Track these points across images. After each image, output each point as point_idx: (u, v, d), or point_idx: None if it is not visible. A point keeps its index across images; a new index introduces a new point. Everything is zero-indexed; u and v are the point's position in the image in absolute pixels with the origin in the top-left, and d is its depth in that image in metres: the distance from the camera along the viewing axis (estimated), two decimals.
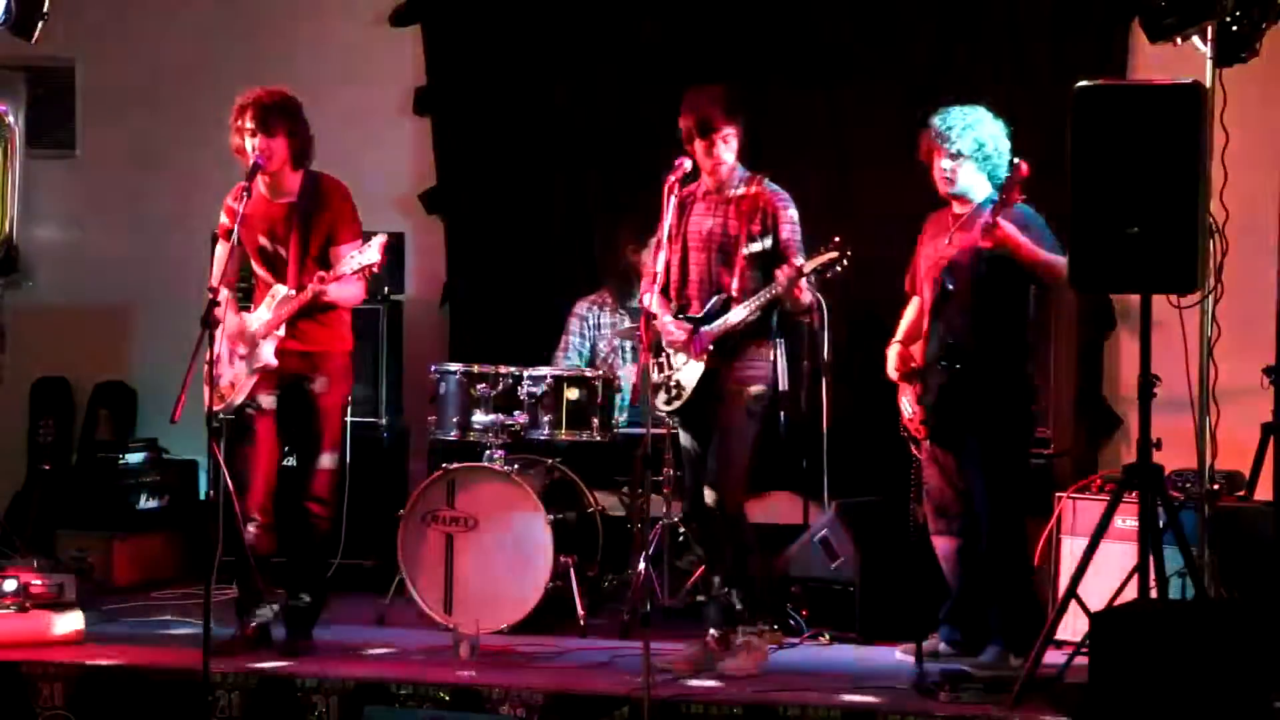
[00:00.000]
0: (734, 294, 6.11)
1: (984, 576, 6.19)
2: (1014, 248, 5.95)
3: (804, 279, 6.01)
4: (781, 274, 5.98)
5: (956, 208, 6.24)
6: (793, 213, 6.16)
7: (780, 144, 7.93)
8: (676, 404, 6.28)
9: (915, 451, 6.39)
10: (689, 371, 6.22)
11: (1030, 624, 6.02)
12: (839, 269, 5.99)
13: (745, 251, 6.12)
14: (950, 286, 6.09)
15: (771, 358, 6.21)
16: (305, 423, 6.39)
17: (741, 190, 6.20)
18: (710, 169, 6.21)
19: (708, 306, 6.17)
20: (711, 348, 6.13)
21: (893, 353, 6.35)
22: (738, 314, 6.09)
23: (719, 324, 6.12)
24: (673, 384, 6.25)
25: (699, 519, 6.35)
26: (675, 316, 6.25)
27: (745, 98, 6.28)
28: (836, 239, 6.00)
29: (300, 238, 6.29)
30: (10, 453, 8.81)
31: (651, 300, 6.27)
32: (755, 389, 6.16)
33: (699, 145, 6.19)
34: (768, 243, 6.12)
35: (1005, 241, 5.93)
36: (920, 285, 6.32)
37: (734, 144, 6.18)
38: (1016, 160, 5.99)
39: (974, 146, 6.13)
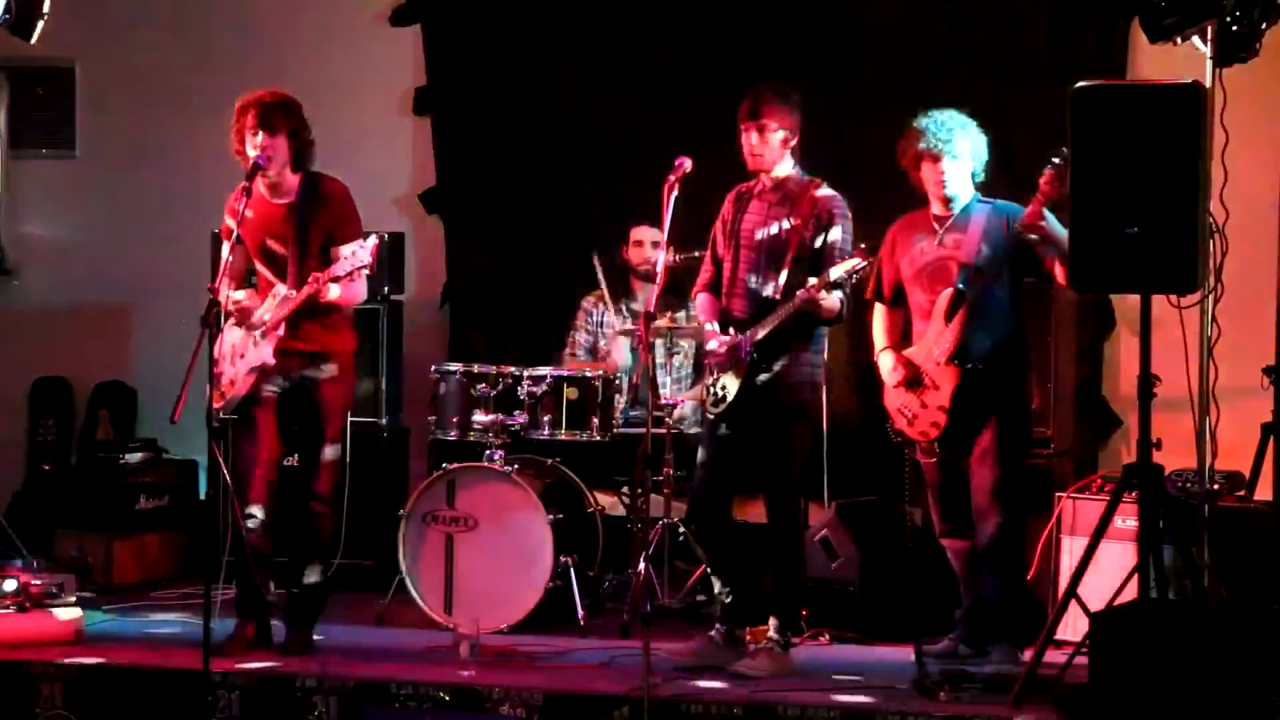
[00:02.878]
0: (778, 297, 6.07)
1: (988, 573, 6.18)
2: (1055, 239, 5.90)
3: (832, 288, 5.99)
4: (806, 290, 5.96)
5: (938, 209, 6.22)
6: (847, 219, 6.13)
7: None
8: (722, 407, 6.21)
9: (912, 454, 6.37)
10: (733, 375, 6.19)
11: (1027, 621, 6.03)
12: (860, 273, 5.98)
13: (793, 255, 6.08)
14: (962, 287, 6.09)
15: (818, 361, 6.18)
16: (307, 423, 6.40)
17: (797, 192, 6.17)
18: (750, 161, 6.19)
19: (752, 310, 6.16)
20: (754, 354, 6.10)
21: (890, 358, 6.28)
22: (769, 324, 6.06)
23: (752, 331, 6.09)
24: (719, 387, 6.22)
25: (706, 519, 6.32)
26: (723, 322, 6.23)
27: (802, 100, 6.23)
28: (861, 245, 6.02)
29: (300, 238, 6.29)
30: (10, 453, 8.82)
31: (698, 303, 6.34)
32: (804, 392, 6.14)
33: (743, 133, 6.17)
34: (817, 245, 6.08)
35: (1047, 232, 5.91)
36: (910, 288, 6.28)
37: (776, 139, 6.13)
38: (1047, 168, 5.95)
39: (967, 149, 6.15)
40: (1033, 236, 5.94)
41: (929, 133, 6.13)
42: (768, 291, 6.10)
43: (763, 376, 6.10)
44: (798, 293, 5.99)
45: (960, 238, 6.13)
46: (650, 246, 7.56)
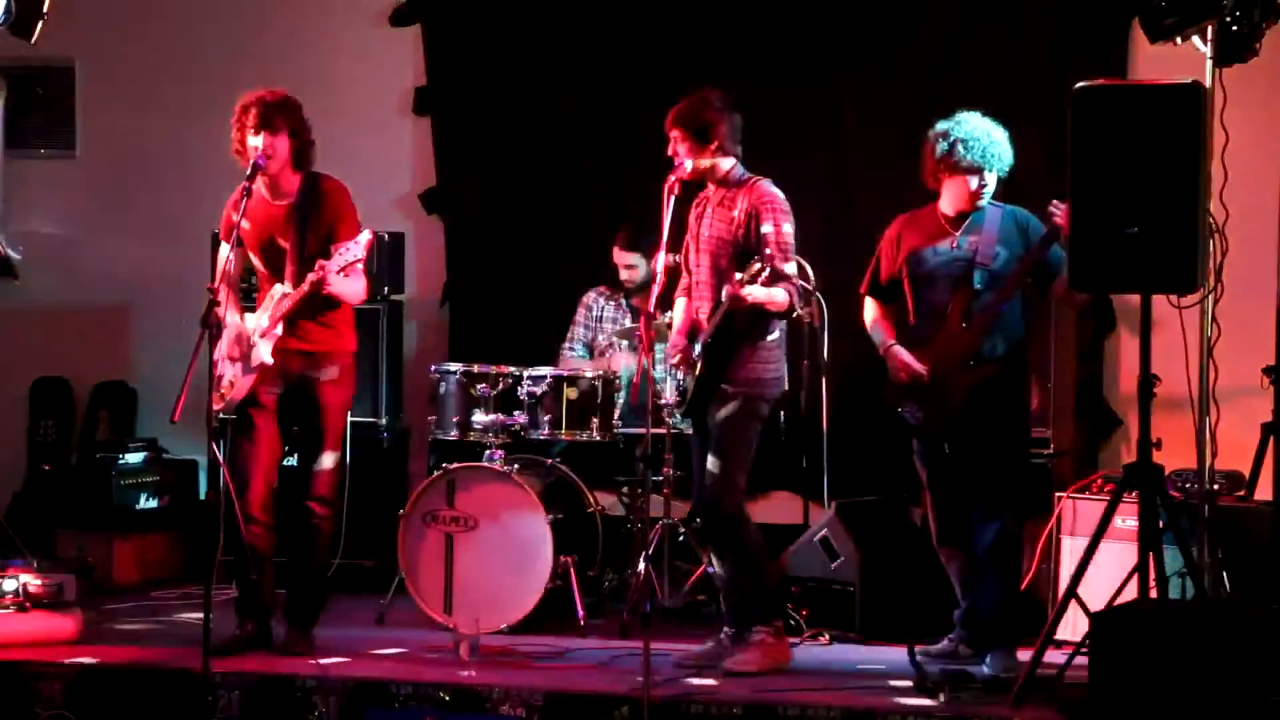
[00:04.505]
0: (724, 298, 6.09)
1: (986, 579, 6.18)
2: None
3: (753, 281, 5.97)
4: (729, 286, 5.98)
5: (949, 209, 6.21)
6: (778, 214, 6.11)
7: (779, 144, 7.94)
8: (684, 407, 6.32)
9: (919, 453, 6.34)
10: (691, 375, 6.25)
11: (1027, 621, 6.03)
12: (763, 277, 5.96)
13: (735, 255, 6.10)
14: (979, 287, 6.09)
15: (768, 358, 6.19)
16: (307, 423, 6.40)
17: (736, 192, 6.20)
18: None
19: (711, 311, 6.18)
20: (702, 353, 6.14)
21: (901, 356, 6.26)
22: (709, 326, 6.11)
23: (703, 334, 6.14)
24: (681, 387, 6.31)
25: (702, 518, 6.35)
26: (694, 325, 6.27)
27: (721, 105, 6.24)
28: (758, 258, 5.96)
29: (299, 238, 6.29)
30: (10, 453, 8.81)
31: (675, 307, 6.40)
32: (751, 390, 6.15)
33: None
34: (749, 242, 6.09)
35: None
36: (918, 287, 6.26)
37: (681, 150, 6.17)
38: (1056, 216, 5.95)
39: (1008, 161, 6.16)
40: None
41: (974, 144, 6.09)
42: (720, 292, 6.12)
43: (713, 375, 6.14)
44: (724, 290, 6.00)
45: (976, 240, 6.12)
46: (624, 269, 7.61)
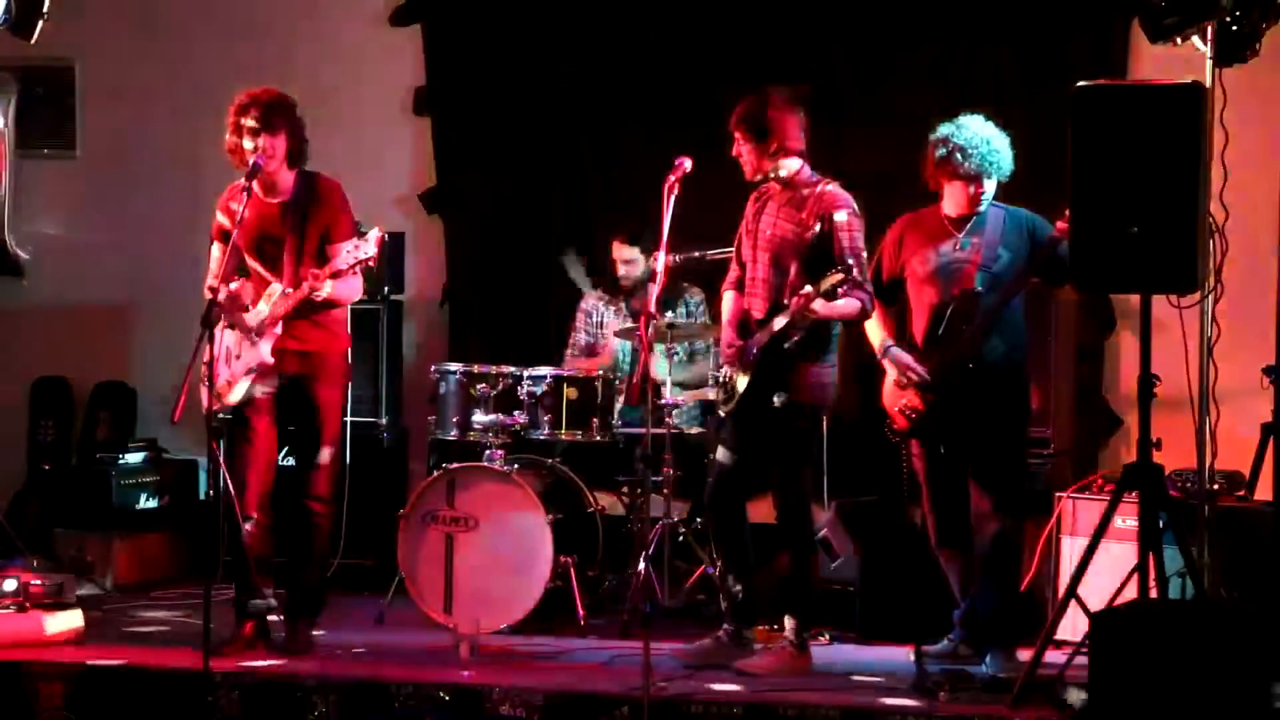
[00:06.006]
0: (787, 300, 6.05)
1: (985, 581, 6.19)
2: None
3: (831, 296, 5.96)
4: (799, 297, 5.96)
5: (952, 211, 6.22)
6: (854, 221, 6.08)
7: None
8: (732, 404, 6.24)
9: (909, 462, 6.35)
10: (743, 374, 6.21)
11: (1026, 621, 6.03)
12: (843, 288, 5.96)
13: (800, 256, 6.08)
14: (981, 289, 6.09)
15: (826, 366, 6.16)
16: (303, 422, 6.40)
17: (805, 193, 6.16)
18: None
19: (769, 310, 6.14)
20: (757, 356, 6.11)
21: (898, 357, 6.25)
22: (771, 329, 6.05)
23: (758, 336, 6.11)
24: (731, 385, 6.25)
25: (724, 513, 6.32)
26: (744, 322, 6.25)
27: (794, 102, 6.21)
28: (838, 269, 5.95)
29: (295, 236, 6.29)
30: (10, 453, 8.82)
31: (724, 301, 6.37)
32: (813, 397, 6.14)
33: None
34: (824, 246, 6.05)
35: None
36: (920, 288, 6.27)
37: (745, 150, 6.15)
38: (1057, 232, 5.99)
39: (1009, 166, 6.16)
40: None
41: (973, 151, 6.09)
42: (781, 292, 6.10)
43: (771, 380, 6.10)
44: (792, 301, 5.98)
45: (978, 242, 6.13)
46: (623, 264, 7.60)
